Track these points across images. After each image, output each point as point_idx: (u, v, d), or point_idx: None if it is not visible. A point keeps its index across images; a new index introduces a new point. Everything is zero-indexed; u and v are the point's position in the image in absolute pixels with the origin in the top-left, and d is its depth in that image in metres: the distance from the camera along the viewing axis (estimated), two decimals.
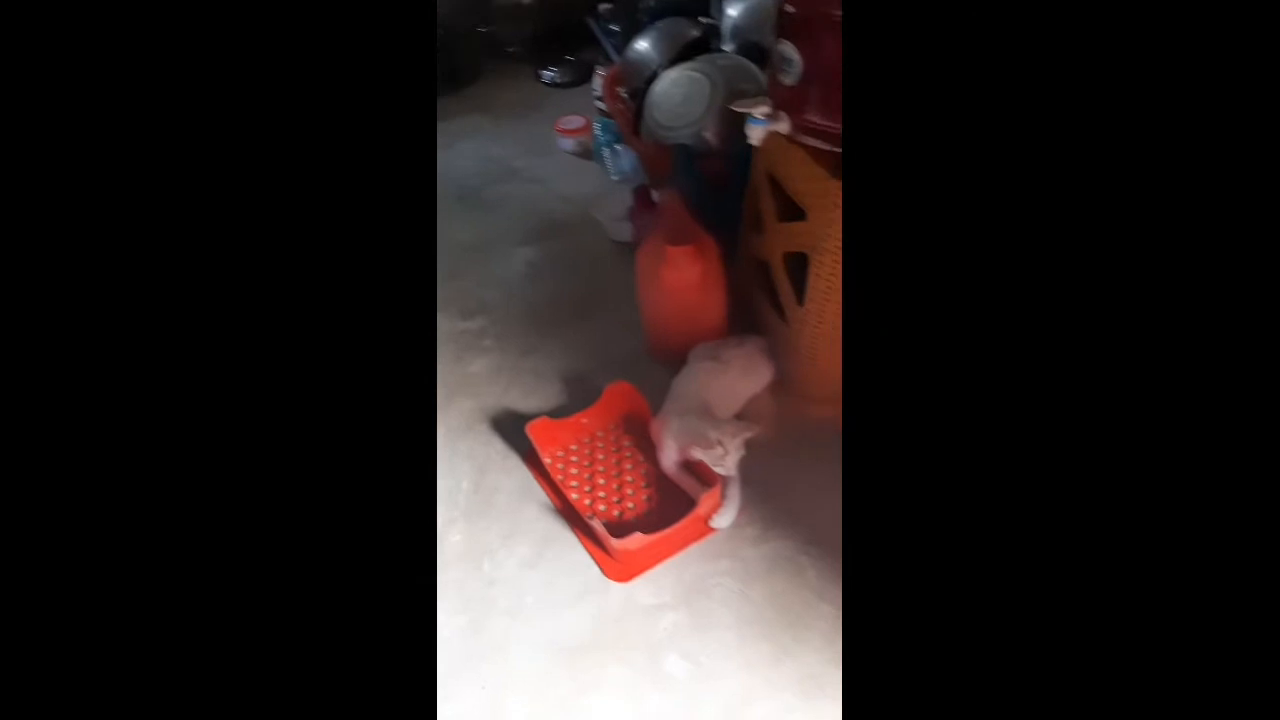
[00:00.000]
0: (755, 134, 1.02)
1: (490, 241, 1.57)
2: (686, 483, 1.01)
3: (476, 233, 1.60)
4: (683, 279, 1.12)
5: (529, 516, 1.02)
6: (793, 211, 1.02)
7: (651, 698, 0.83)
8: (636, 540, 0.90)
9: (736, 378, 1.10)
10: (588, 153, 1.86)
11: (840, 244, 0.94)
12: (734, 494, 0.99)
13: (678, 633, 0.89)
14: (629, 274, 1.20)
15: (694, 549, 0.97)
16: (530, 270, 1.49)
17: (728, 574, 0.94)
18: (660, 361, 1.19)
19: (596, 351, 1.28)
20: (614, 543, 0.91)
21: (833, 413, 1.06)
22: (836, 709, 0.80)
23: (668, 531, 0.92)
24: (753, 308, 1.22)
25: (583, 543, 0.98)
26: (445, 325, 1.34)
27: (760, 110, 1.01)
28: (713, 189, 1.32)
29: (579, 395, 1.18)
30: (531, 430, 1.07)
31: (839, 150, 0.93)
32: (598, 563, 0.95)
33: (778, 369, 1.13)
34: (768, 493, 1.02)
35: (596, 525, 0.92)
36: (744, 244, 1.23)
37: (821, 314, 1.02)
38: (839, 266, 0.96)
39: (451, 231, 1.59)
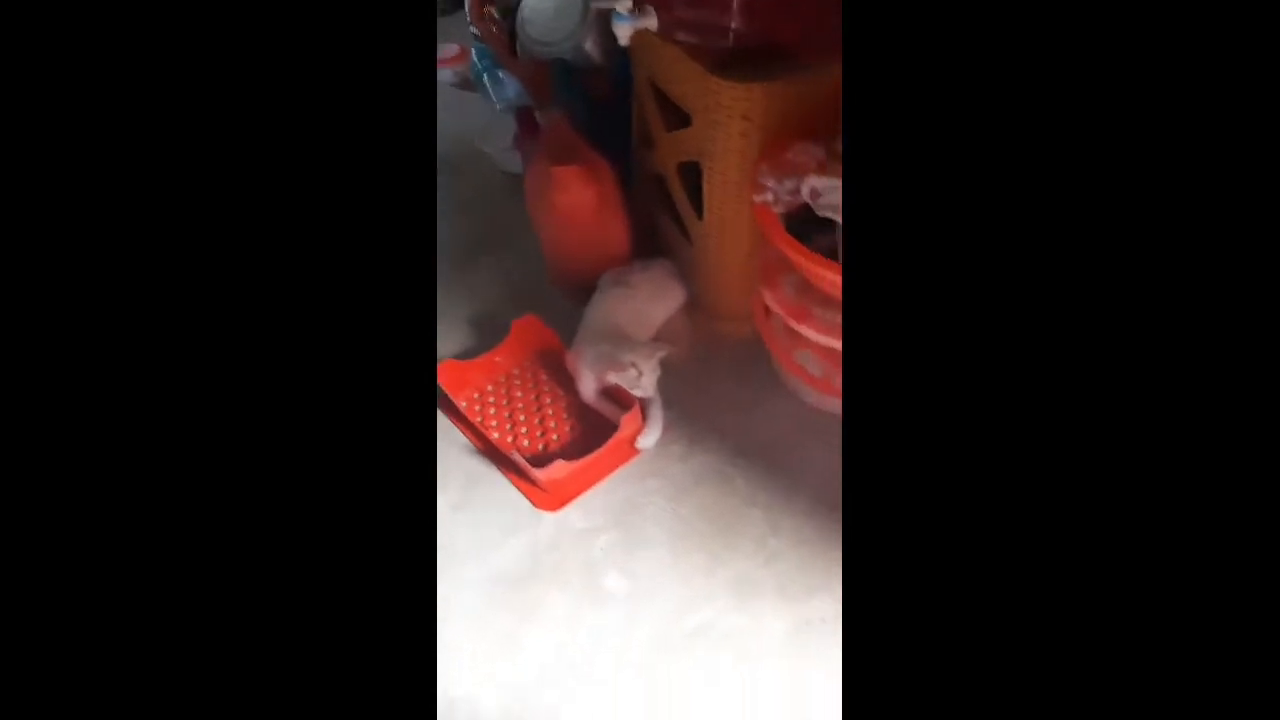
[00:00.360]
0: (622, 32, 0.96)
1: None
2: (607, 409, 1.01)
3: None
4: (575, 202, 1.09)
5: (450, 460, 1.00)
6: (681, 119, 1.00)
7: (592, 616, 0.85)
8: (560, 468, 0.90)
9: (646, 301, 1.10)
10: (468, 83, 1.75)
11: (730, 150, 0.93)
12: (656, 415, 1.00)
13: (613, 552, 0.90)
14: (525, 206, 1.16)
15: (622, 471, 0.98)
16: None
17: (657, 492, 0.96)
18: (566, 293, 1.17)
19: (501, 290, 1.24)
20: (538, 473, 0.90)
21: (745, 328, 1.09)
22: (769, 607, 0.85)
23: (591, 457, 0.93)
24: (657, 228, 1.21)
25: (510, 479, 0.97)
26: None
27: (623, 5, 0.95)
28: (600, 106, 1.28)
29: (488, 336, 1.14)
30: (439, 374, 1.03)
31: (714, 44, 0.91)
32: (526, 495, 0.95)
33: (688, 289, 1.13)
34: (689, 410, 1.04)
35: (517, 457, 0.92)
36: (637, 159, 1.20)
37: (722, 226, 1.02)
38: (733, 172, 0.95)
39: None
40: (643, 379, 0.96)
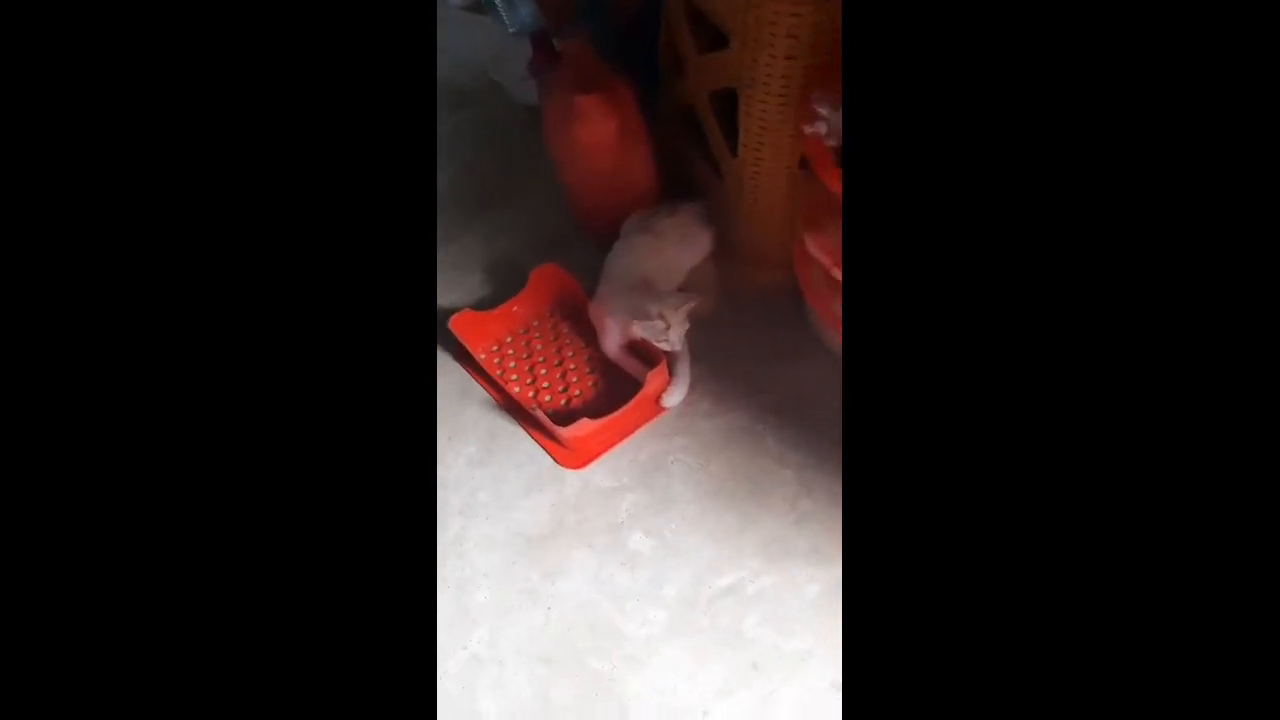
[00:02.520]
0: None
1: None
2: (631, 365, 1.01)
3: None
4: (598, 135, 1.05)
5: (471, 415, 1.01)
6: (717, 41, 0.96)
7: (620, 576, 0.87)
8: (584, 426, 0.91)
9: (674, 249, 1.08)
10: (479, 6, 1.69)
11: (772, 74, 0.89)
12: (683, 370, 1.00)
13: (639, 512, 0.92)
14: (543, 141, 1.13)
15: (647, 429, 0.99)
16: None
17: (684, 450, 0.97)
18: (590, 236, 1.15)
19: (519, 234, 1.23)
20: (561, 431, 0.91)
21: (780, 276, 1.07)
22: (802, 569, 0.86)
23: (616, 415, 0.93)
24: (686, 165, 1.18)
25: (532, 435, 0.98)
26: None
27: None
28: (625, 28, 1.23)
29: (507, 284, 1.14)
30: (455, 325, 1.03)
31: None
32: (549, 453, 0.96)
33: (718, 234, 1.11)
34: (719, 365, 1.03)
35: (540, 414, 0.92)
36: (665, 89, 1.16)
37: (758, 163, 0.99)
38: (774, 100, 0.91)
39: None
40: (670, 332, 0.95)
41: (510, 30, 1.59)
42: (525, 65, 1.42)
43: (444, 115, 1.45)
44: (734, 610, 0.84)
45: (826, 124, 0.83)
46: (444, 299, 1.14)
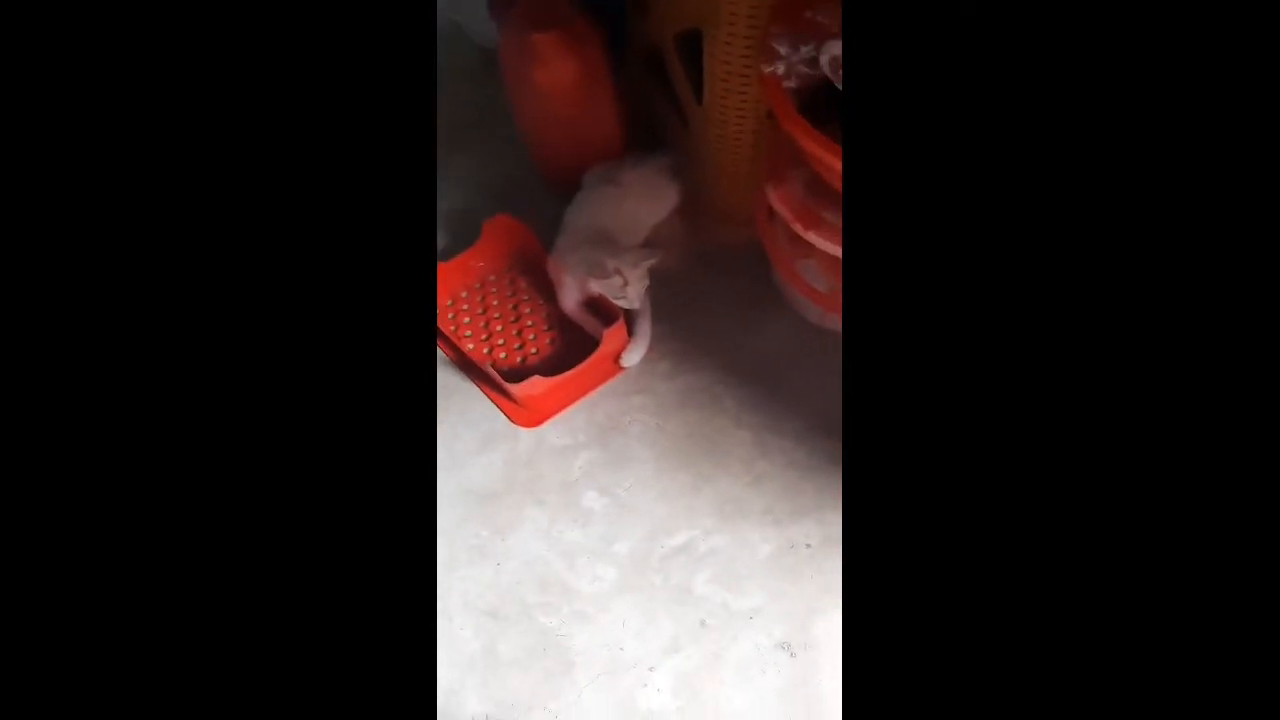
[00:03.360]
0: None
1: None
2: (589, 322, 1.01)
3: None
4: (557, 77, 1.02)
5: None
6: None
7: (571, 532, 0.88)
8: (537, 384, 0.90)
9: (637, 203, 1.06)
10: None
11: (737, 12, 0.85)
12: (643, 329, 0.99)
13: (593, 470, 0.92)
14: (503, 86, 1.10)
15: (605, 388, 0.98)
16: None
17: (642, 409, 0.97)
18: (551, 187, 1.13)
19: (477, 183, 1.20)
20: (514, 388, 0.91)
21: (748, 233, 1.05)
22: (754, 530, 0.88)
23: (571, 373, 0.93)
24: (653, 114, 1.16)
25: (485, 392, 0.98)
26: None
27: None
28: None
29: (463, 237, 1.12)
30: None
31: None
32: (503, 410, 0.96)
33: (684, 188, 1.09)
34: (680, 324, 1.03)
35: (491, 371, 0.92)
36: (631, 30, 1.13)
37: (724, 110, 0.97)
38: (739, 40, 0.87)
39: None
40: (628, 289, 0.95)
41: None
42: (486, 4, 1.38)
43: None
44: (685, 568, 0.86)
45: (785, 63, 0.79)
46: None
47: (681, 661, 0.80)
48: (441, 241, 1.13)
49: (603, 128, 1.11)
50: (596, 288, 0.96)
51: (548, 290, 1.04)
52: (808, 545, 0.86)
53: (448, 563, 0.86)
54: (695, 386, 0.99)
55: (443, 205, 1.17)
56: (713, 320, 1.03)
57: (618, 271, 0.94)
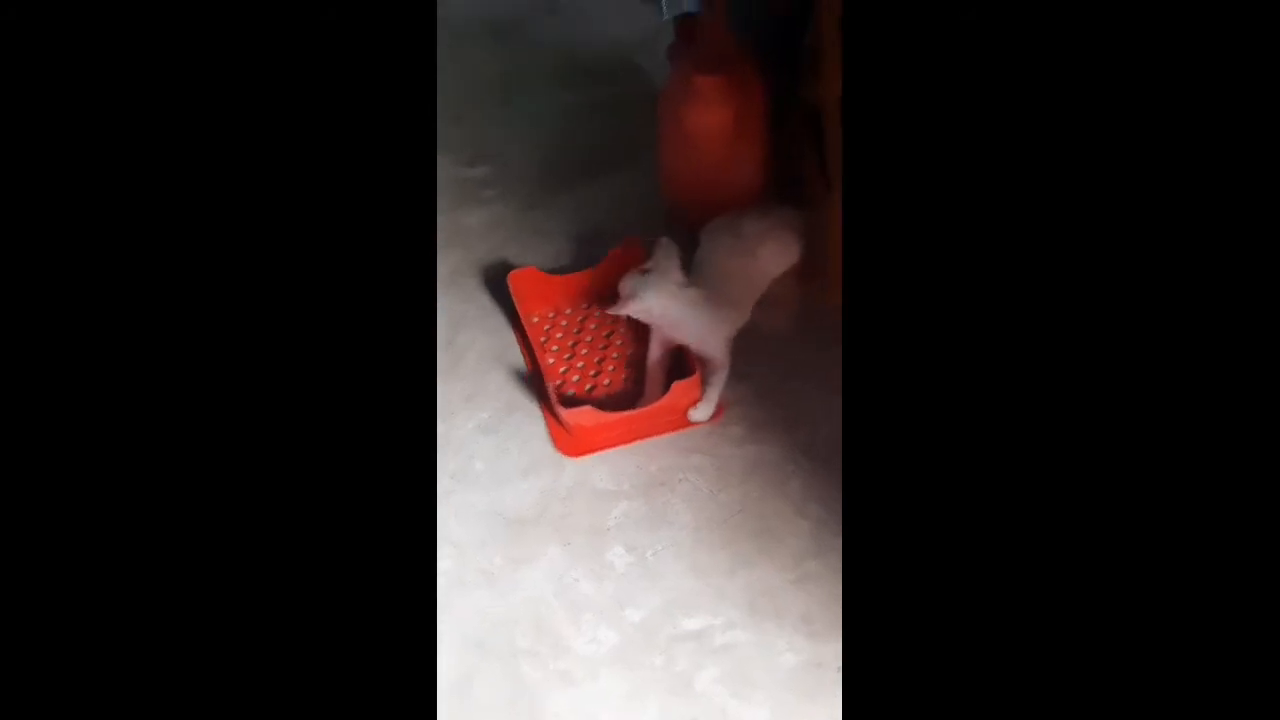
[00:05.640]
0: None
1: (515, 81, 1.51)
2: (654, 378, 0.97)
3: (501, 70, 1.54)
4: (712, 118, 1.02)
5: (495, 382, 1.02)
6: None
7: (585, 584, 0.83)
8: (587, 415, 0.88)
9: (755, 256, 1.01)
10: None
11: None
12: (715, 387, 0.94)
13: (628, 523, 0.88)
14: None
15: (667, 440, 0.94)
16: (553, 117, 1.43)
17: (698, 471, 0.91)
18: (678, 223, 1.12)
19: (613, 212, 1.23)
20: (565, 413, 0.89)
21: None
22: (784, 635, 0.78)
23: (624, 414, 0.90)
24: (799, 173, 1.12)
25: (543, 413, 0.97)
26: (445, 170, 1.32)
27: None
28: (776, 21, 1.18)
29: (584, 259, 1.14)
30: (513, 280, 1.05)
31: None
32: (550, 432, 0.95)
33: (809, 247, 1.03)
34: (765, 390, 0.96)
35: (550, 389, 0.91)
36: (799, 87, 1.10)
37: None
38: None
39: (474, 66, 1.53)
40: (630, 302, 0.92)
41: (664, 16, 1.60)
42: (665, 50, 1.43)
43: (578, 86, 1.48)
44: (693, 657, 0.78)
45: None
46: (520, 261, 1.16)
47: None
48: (565, 259, 1.16)
49: (746, 175, 1.10)
50: (623, 291, 0.93)
51: (645, 332, 1.02)
52: (838, 669, 0.74)
53: (451, 581, 0.85)
54: (763, 460, 0.91)
55: (571, 227, 1.21)
56: (802, 394, 0.96)
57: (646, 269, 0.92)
